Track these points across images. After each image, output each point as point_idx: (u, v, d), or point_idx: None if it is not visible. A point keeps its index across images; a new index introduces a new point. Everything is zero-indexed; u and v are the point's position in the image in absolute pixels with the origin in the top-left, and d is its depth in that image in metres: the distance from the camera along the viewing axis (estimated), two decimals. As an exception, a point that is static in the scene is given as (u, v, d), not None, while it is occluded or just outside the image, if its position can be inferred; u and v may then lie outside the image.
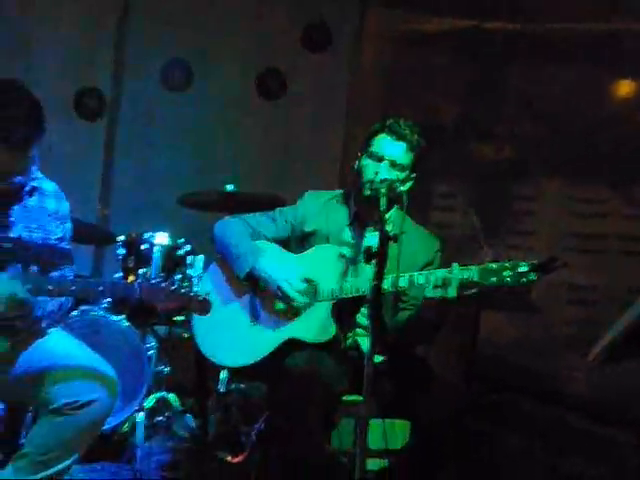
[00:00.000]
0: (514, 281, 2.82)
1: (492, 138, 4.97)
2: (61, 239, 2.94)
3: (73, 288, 2.67)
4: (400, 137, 3.10)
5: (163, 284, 2.67)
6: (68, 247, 2.98)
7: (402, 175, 3.10)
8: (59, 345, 2.85)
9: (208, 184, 4.46)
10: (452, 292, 2.84)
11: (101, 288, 2.69)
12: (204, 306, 2.72)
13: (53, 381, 2.72)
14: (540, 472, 4.06)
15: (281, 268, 3.15)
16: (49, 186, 2.93)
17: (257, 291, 3.21)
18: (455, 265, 2.91)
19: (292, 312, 3.14)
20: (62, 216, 2.95)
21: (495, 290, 2.89)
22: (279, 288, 3.11)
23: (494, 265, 2.84)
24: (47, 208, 2.89)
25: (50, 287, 2.65)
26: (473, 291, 2.89)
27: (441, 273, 2.88)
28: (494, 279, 2.83)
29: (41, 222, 2.86)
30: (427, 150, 3.18)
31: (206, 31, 5.45)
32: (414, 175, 3.16)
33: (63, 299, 2.86)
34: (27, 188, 2.83)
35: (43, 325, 2.85)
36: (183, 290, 2.69)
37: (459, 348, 4.19)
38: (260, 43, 5.53)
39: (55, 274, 2.88)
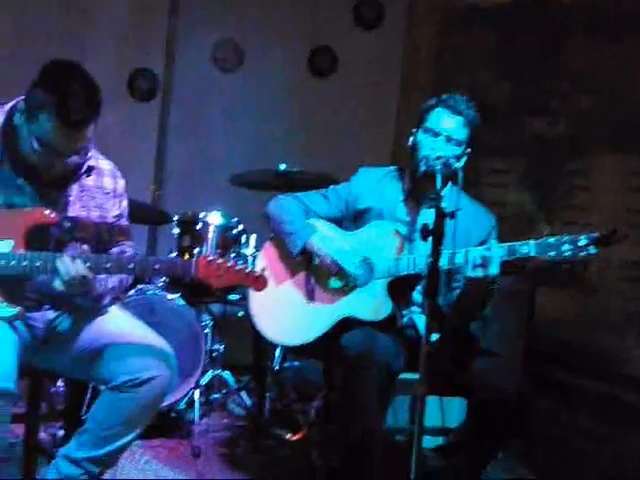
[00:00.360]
0: (573, 255, 2.74)
1: (546, 113, 4.88)
2: (119, 216, 2.97)
3: (131, 266, 2.69)
4: (456, 112, 3.06)
5: (219, 261, 2.68)
6: (126, 223, 3.01)
7: (458, 151, 3.06)
8: (117, 323, 2.87)
9: (261, 163, 4.46)
10: (494, 270, 2.78)
11: (157, 266, 2.70)
12: (260, 282, 2.71)
13: (113, 359, 2.74)
14: (597, 452, 4.02)
15: (335, 244, 3.14)
16: (105, 164, 2.96)
17: (311, 269, 3.20)
18: (493, 242, 2.86)
19: (347, 289, 3.13)
20: (119, 194, 2.97)
21: (553, 265, 2.83)
22: (334, 262, 3.09)
23: (552, 239, 2.78)
24: (104, 187, 2.91)
25: (109, 265, 2.66)
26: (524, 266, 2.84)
27: (479, 252, 2.83)
28: (552, 253, 2.76)
29: (98, 201, 2.88)
30: (481, 126, 3.14)
31: (257, 10, 5.44)
32: (469, 151, 3.13)
33: (123, 275, 2.88)
34: (84, 167, 2.85)
35: (105, 302, 2.88)
36: (239, 267, 2.69)
37: (516, 326, 4.14)
38: (311, 21, 5.51)
39: (114, 250, 2.92)
